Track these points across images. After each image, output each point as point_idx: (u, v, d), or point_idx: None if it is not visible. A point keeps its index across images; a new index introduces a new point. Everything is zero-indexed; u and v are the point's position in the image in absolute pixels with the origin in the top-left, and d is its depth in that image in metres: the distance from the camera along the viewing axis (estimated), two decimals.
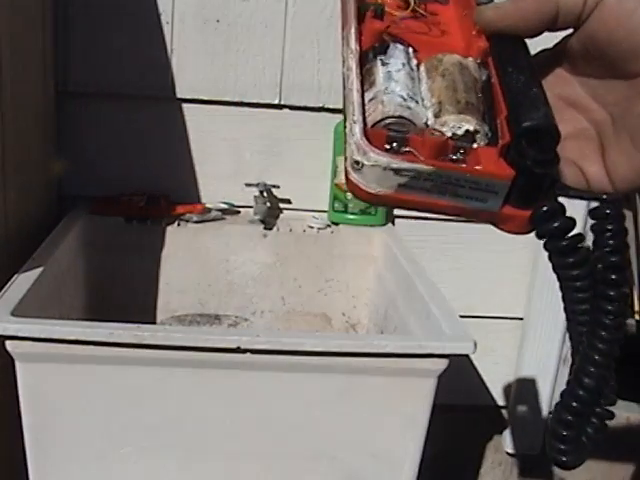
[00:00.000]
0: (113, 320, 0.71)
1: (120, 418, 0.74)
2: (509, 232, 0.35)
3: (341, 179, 1.11)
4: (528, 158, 0.32)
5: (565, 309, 0.36)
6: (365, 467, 0.79)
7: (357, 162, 0.32)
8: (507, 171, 0.32)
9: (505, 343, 1.27)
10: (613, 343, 0.35)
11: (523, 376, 1.28)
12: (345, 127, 0.34)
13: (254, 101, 1.11)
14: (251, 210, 1.11)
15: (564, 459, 0.37)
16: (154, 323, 1.09)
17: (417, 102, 0.35)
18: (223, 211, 1.11)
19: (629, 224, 1.41)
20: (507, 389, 1.30)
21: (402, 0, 0.40)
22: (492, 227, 0.35)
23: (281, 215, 1.16)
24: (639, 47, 0.33)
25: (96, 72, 1.07)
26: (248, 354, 0.71)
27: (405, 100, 0.34)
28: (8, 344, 0.69)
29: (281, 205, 1.16)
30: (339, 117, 1.12)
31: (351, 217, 1.13)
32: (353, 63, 0.35)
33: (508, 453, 1.34)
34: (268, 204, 1.10)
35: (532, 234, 0.35)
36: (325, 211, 1.15)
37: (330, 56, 1.10)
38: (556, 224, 0.33)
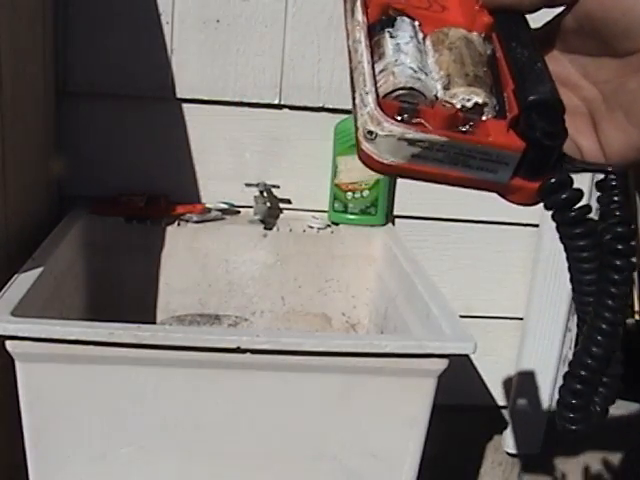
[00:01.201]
0: (113, 320, 0.71)
1: (120, 418, 0.74)
2: (516, 203, 0.36)
3: (341, 179, 1.11)
4: (538, 130, 0.33)
5: (571, 280, 0.37)
6: (365, 467, 0.79)
7: (370, 132, 0.32)
8: (518, 143, 0.33)
9: (505, 343, 1.27)
10: (620, 312, 0.35)
11: (523, 376, 1.28)
12: (354, 99, 0.34)
13: (254, 101, 1.11)
14: (251, 210, 1.11)
15: (573, 427, 0.37)
16: (154, 323, 1.09)
17: (426, 74, 0.35)
18: (223, 211, 1.11)
19: None
20: (507, 389, 1.30)
21: None
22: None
23: (281, 215, 1.16)
24: (633, 26, 0.34)
25: (96, 72, 1.07)
26: (248, 354, 0.71)
27: (416, 72, 0.34)
28: (8, 344, 0.69)
29: (281, 205, 1.16)
30: (339, 117, 1.12)
31: (351, 217, 1.13)
32: (362, 35, 0.35)
33: (508, 453, 1.34)
34: (268, 204, 1.10)
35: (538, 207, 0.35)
36: (325, 211, 1.15)
37: (330, 56, 1.10)
38: (564, 196, 0.34)
